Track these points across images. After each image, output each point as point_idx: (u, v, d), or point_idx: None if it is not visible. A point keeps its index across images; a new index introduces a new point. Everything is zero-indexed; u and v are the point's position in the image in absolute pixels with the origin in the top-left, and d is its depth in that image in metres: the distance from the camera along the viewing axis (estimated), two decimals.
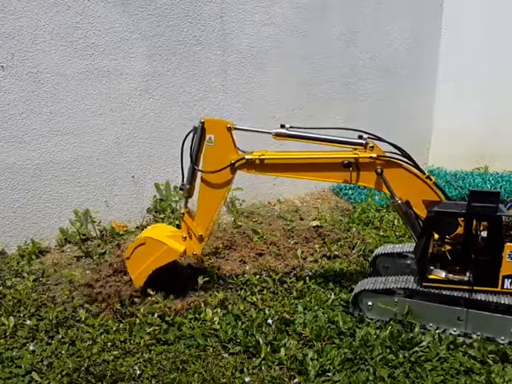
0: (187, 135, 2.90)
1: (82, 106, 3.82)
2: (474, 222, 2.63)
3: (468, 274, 2.64)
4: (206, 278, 3.19)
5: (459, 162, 5.77)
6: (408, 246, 3.16)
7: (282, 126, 2.82)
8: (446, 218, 2.63)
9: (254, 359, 2.52)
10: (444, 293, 2.64)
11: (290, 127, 2.83)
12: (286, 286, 3.20)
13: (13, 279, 3.31)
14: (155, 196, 4.30)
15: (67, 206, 3.93)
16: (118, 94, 3.97)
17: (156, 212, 4.28)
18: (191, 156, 2.90)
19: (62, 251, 3.84)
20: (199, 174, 2.94)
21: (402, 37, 5.42)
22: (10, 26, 3.44)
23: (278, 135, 2.82)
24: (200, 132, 2.85)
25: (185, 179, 2.98)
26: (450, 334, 2.65)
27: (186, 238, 2.99)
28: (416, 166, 2.74)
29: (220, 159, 2.85)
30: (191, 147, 2.90)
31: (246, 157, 2.81)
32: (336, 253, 3.65)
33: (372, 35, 5.19)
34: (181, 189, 3.01)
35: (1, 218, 3.68)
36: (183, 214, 2.98)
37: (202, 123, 2.84)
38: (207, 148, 2.86)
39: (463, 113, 5.69)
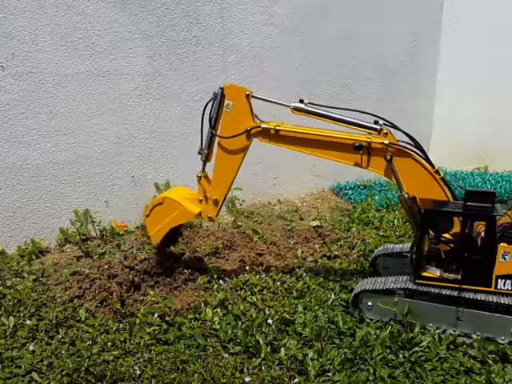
0: (208, 102, 2.95)
1: (81, 106, 3.82)
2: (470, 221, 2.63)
3: (462, 273, 2.64)
4: (206, 278, 3.20)
5: (459, 162, 5.77)
6: (408, 246, 3.15)
7: (301, 101, 2.84)
8: (441, 216, 2.64)
9: (254, 359, 2.52)
10: (444, 293, 2.63)
11: (309, 103, 2.84)
12: (285, 285, 3.20)
13: (13, 279, 3.31)
14: (155, 196, 4.29)
15: (67, 206, 3.93)
16: (118, 94, 3.97)
17: None
18: (210, 121, 2.94)
19: (62, 251, 3.84)
20: (217, 140, 2.98)
21: (402, 37, 5.43)
22: (10, 26, 3.44)
23: (295, 109, 2.84)
24: (220, 98, 2.89)
25: (203, 143, 3.03)
26: (450, 334, 2.64)
27: (201, 200, 3.07)
28: (427, 159, 2.74)
29: (237, 125, 2.89)
30: (210, 112, 2.94)
31: (262, 125, 2.86)
32: (336, 253, 3.65)
33: (372, 35, 5.19)
34: (199, 153, 3.07)
35: (1, 218, 3.68)
36: (200, 177, 3.05)
37: (222, 89, 2.88)
38: (225, 114, 2.91)
39: (463, 113, 5.70)
